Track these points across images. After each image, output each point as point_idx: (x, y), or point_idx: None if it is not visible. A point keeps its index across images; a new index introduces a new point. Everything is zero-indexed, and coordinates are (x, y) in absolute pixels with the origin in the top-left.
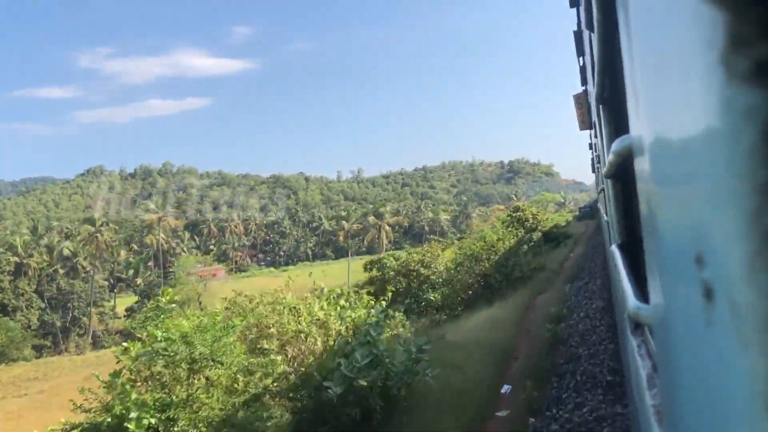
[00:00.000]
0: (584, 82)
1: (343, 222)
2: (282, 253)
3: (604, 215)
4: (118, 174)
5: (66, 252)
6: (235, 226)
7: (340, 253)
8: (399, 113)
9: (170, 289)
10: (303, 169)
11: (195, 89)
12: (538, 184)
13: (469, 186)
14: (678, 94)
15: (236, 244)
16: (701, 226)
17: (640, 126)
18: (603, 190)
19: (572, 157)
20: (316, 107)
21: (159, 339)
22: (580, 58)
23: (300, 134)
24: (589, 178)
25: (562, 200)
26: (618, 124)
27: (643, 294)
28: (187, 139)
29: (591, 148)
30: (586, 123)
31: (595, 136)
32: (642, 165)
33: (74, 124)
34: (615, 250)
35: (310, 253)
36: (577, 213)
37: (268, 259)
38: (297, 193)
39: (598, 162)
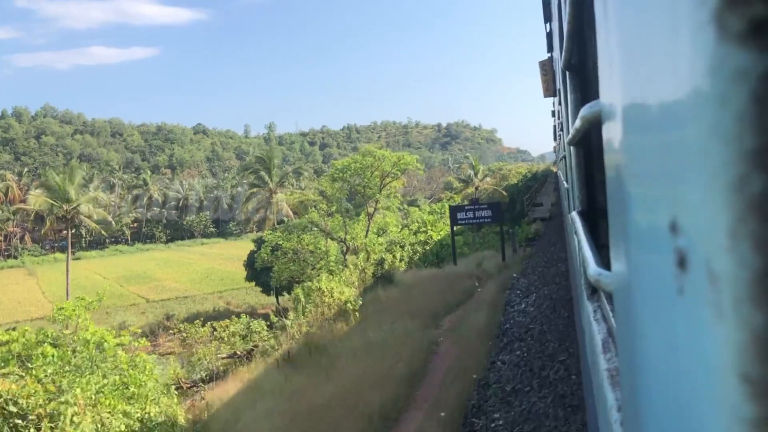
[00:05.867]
0: (550, 48)
1: None
2: (84, 233)
3: (565, 183)
4: None
5: None
6: None
7: (180, 234)
8: (343, 70)
9: None
10: (230, 123)
11: (142, 39)
12: (477, 150)
13: (399, 149)
14: (661, 55)
15: None
16: (679, 193)
17: (612, 91)
18: (564, 157)
19: (517, 125)
20: (261, 61)
21: None
22: (547, 24)
23: (242, 88)
24: (534, 149)
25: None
26: (585, 91)
27: (603, 261)
28: (132, 89)
29: (554, 115)
30: (550, 90)
31: (559, 104)
32: (612, 131)
33: (10, 67)
34: (576, 217)
35: (128, 233)
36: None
37: (63, 242)
38: (174, 148)
39: (561, 130)
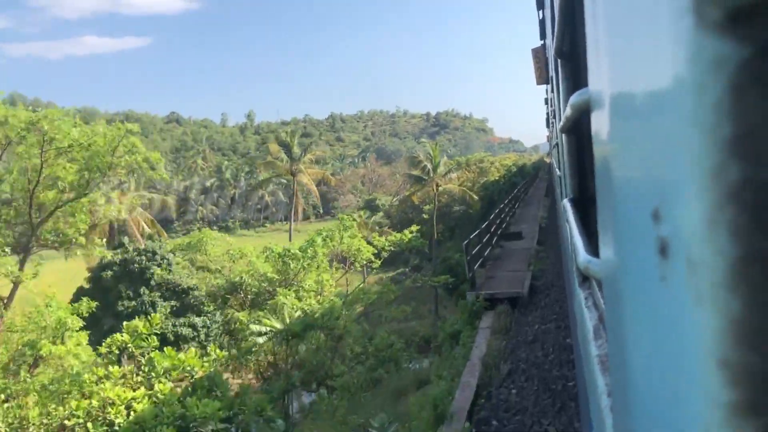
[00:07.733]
0: (543, 36)
1: None
2: None
3: (557, 170)
4: None
5: None
6: None
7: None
8: (332, 59)
9: None
10: (213, 113)
11: (134, 28)
12: (467, 140)
13: (385, 140)
14: (642, 43)
15: None
16: (660, 182)
17: (599, 78)
18: (557, 145)
19: (510, 115)
20: (250, 49)
21: None
22: (540, 11)
23: (228, 78)
24: (527, 140)
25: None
26: (576, 78)
27: (593, 248)
28: (121, 78)
29: (546, 103)
30: (543, 78)
31: (552, 91)
32: (600, 119)
33: (2, 57)
34: (567, 205)
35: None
36: None
37: None
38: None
39: (553, 117)
